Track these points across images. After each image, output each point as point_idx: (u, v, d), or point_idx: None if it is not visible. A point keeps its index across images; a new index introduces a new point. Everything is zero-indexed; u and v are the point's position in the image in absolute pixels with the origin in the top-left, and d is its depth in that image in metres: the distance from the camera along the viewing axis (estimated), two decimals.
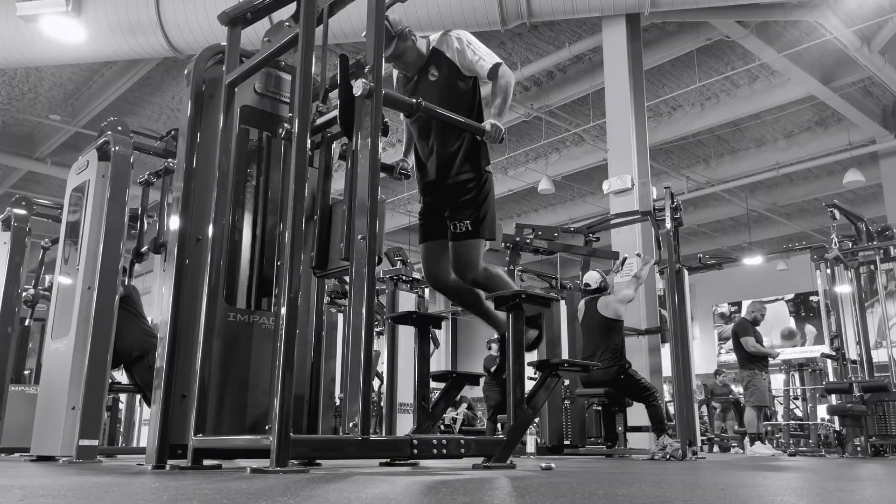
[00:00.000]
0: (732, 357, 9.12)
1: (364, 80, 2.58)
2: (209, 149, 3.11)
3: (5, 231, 5.42)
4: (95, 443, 3.64)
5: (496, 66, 3.29)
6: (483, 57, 3.32)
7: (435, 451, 2.67)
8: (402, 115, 3.31)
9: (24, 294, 5.83)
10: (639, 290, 6.42)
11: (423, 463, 3.27)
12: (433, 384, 4.17)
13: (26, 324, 6.52)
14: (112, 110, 10.98)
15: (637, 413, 6.26)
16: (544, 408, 5.92)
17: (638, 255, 6.57)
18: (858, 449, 6.75)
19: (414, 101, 2.94)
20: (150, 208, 5.40)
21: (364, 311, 2.46)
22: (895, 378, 7.04)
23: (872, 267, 7.53)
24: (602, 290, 6.30)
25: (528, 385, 3.31)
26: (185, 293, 3.01)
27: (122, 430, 8.40)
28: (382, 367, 8.08)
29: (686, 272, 5.97)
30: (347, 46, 8.54)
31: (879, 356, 7.65)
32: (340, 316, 7.79)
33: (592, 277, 6.38)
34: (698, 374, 12.80)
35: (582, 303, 6.41)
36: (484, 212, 3.31)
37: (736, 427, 11.11)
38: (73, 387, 3.69)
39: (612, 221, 7.51)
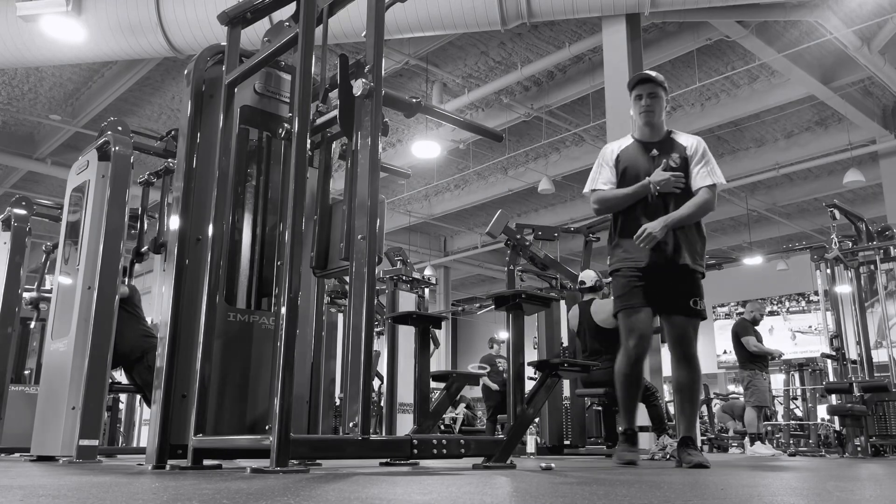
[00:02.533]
0: (733, 357, 9.10)
1: (364, 80, 2.58)
2: (209, 149, 3.11)
3: (5, 231, 5.43)
4: (95, 443, 3.64)
5: (714, 187, 3.44)
6: (714, 170, 3.46)
7: (435, 451, 2.67)
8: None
9: (26, 296, 5.84)
10: None
11: (423, 463, 3.27)
12: (433, 384, 4.17)
13: (31, 326, 6.52)
14: (112, 110, 10.98)
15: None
16: (544, 408, 5.92)
17: None
18: (858, 449, 6.75)
19: (414, 100, 2.94)
20: (150, 208, 5.40)
21: (364, 311, 2.46)
22: (895, 378, 7.04)
23: (872, 267, 7.53)
24: (597, 289, 6.27)
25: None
26: (185, 293, 3.01)
27: (122, 430, 8.40)
28: (382, 367, 8.08)
29: None
30: (347, 46, 8.54)
31: (879, 356, 7.65)
32: (340, 316, 7.80)
33: (588, 276, 6.36)
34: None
35: (576, 307, 6.38)
36: None
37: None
38: (73, 387, 3.69)
39: None
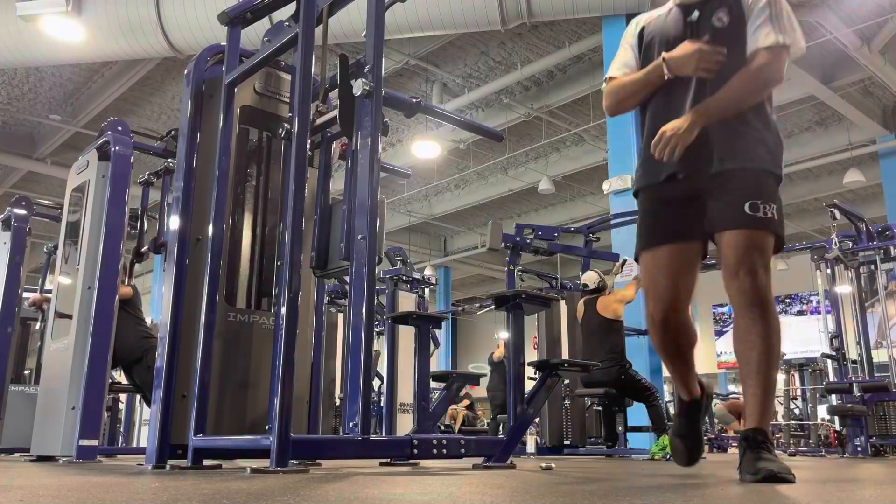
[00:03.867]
0: (733, 357, 9.09)
1: (364, 80, 2.58)
2: (209, 149, 3.11)
3: (5, 231, 5.43)
4: (95, 443, 3.64)
5: (780, 49, 2.23)
6: (784, 26, 2.23)
7: (435, 451, 2.67)
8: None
9: (29, 297, 5.84)
10: (640, 291, 6.35)
11: (423, 463, 3.27)
12: (433, 384, 4.17)
13: (37, 327, 6.50)
14: (112, 110, 10.99)
15: (637, 413, 6.26)
16: (544, 408, 5.92)
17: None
18: (858, 449, 6.75)
19: (414, 100, 2.93)
20: (150, 208, 5.40)
21: (364, 311, 2.46)
22: (895, 378, 7.04)
23: (872, 267, 7.53)
24: (600, 290, 6.30)
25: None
26: (185, 293, 3.02)
27: (122, 430, 8.40)
28: (382, 367, 8.09)
29: None
30: (347, 46, 8.54)
31: (879, 356, 7.65)
32: (340, 316, 7.80)
33: (590, 278, 6.38)
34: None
35: (581, 303, 6.41)
36: None
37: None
38: (73, 387, 3.70)
39: (612, 221, 7.52)
